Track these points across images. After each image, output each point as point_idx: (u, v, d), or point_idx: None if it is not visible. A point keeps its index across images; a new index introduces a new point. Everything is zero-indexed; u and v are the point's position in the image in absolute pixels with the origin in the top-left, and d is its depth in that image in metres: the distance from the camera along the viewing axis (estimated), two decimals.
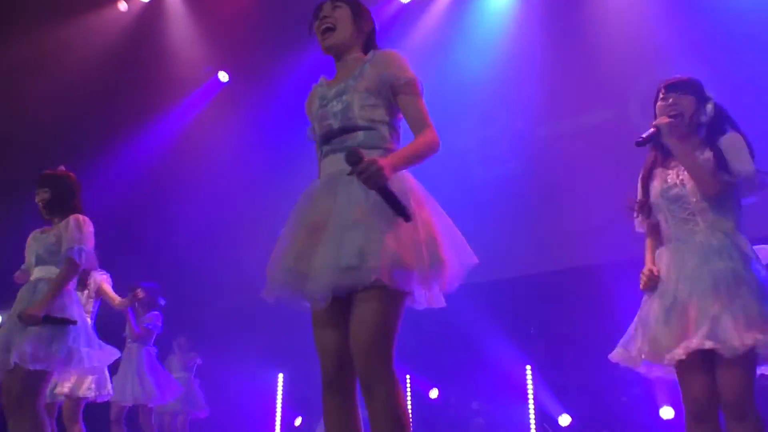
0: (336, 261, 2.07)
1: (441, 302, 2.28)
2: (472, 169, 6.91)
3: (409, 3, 7.16)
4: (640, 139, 2.74)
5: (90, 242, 3.72)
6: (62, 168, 3.96)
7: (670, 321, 2.57)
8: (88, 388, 4.61)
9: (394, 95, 2.28)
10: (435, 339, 6.54)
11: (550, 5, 6.57)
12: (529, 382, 6.28)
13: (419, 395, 6.87)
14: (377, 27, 2.49)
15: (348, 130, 2.26)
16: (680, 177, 2.72)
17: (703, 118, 2.74)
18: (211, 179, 7.71)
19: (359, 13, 2.40)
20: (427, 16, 7.15)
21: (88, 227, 3.75)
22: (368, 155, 2.12)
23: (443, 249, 2.16)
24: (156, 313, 5.81)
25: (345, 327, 2.16)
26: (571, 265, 6.12)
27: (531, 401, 6.22)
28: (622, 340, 2.80)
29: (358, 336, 2.10)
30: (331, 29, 2.35)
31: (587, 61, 6.30)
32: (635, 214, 2.90)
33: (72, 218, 3.72)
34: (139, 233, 7.57)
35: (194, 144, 7.84)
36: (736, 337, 2.44)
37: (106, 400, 4.82)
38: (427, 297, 2.26)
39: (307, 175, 2.50)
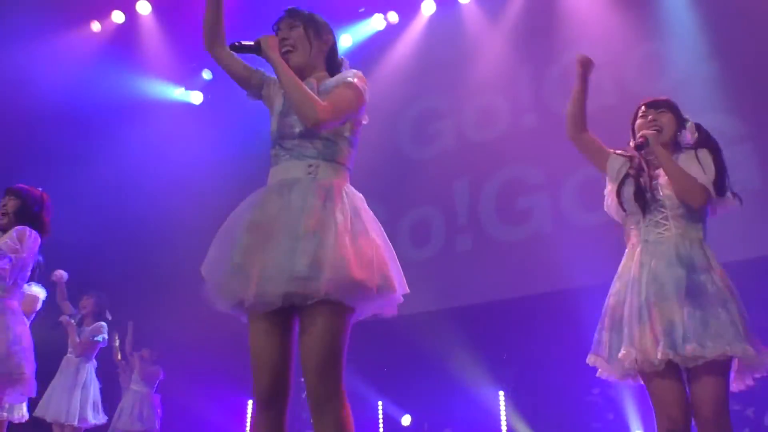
0: (289, 268, 2.07)
1: (376, 316, 2.30)
2: (445, 194, 6.92)
3: (383, 30, 7.24)
4: (638, 143, 2.79)
5: (26, 255, 3.53)
6: (38, 189, 3.85)
7: (644, 320, 2.60)
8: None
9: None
10: (407, 365, 6.49)
11: (524, 36, 6.67)
12: (502, 407, 6.26)
13: (391, 421, 6.79)
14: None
15: (308, 136, 2.27)
16: (656, 182, 2.78)
17: (682, 137, 2.84)
18: (181, 193, 7.61)
19: (317, 31, 2.44)
20: (403, 42, 7.22)
21: (31, 241, 3.57)
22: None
23: (391, 271, 2.20)
24: (102, 323, 5.52)
25: (281, 341, 2.18)
26: (542, 290, 6.13)
27: (504, 427, 6.18)
28: (598, 347, 2.77)
29: (310, 354, 2.10)
30: (291, 51, 2.39)
31: (561, 83, 6.38)
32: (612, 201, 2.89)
33: (16, 228, 3.57)
34: (106, 245, 7.43)
35: (166, 162, 7.76)
36: (717, 345, 2.47)
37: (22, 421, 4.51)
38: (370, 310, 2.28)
39: None
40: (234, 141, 7.54)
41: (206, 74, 7.84)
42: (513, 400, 6.27)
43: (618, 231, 3.01)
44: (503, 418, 6.22)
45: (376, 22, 7.26)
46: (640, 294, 2.64)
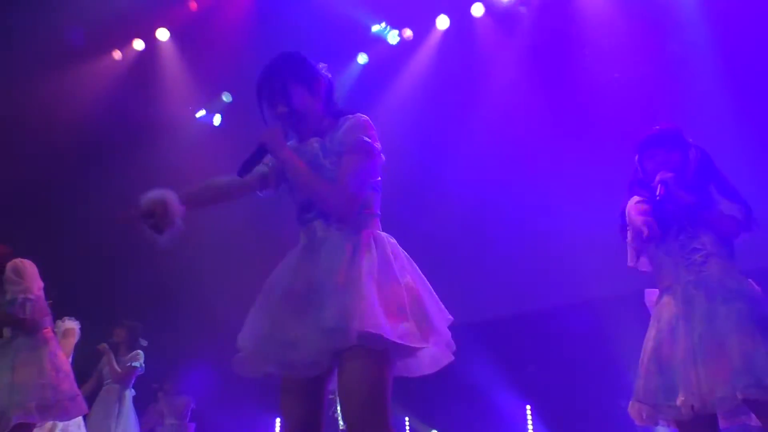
0: (320, 324, 2.01)
1: (437, 365, 2.22)
2: (467, 207, 6.93)
3: (396, 45, 7.29)
4: (658, 196, 2.71)
5: (34, 286, 3.59)
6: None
7: (698, 361, 2.53)
8: None
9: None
10: (433, 380, 6.44)
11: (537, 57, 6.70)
12: (529, 421, 6.21)
13: None
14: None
15: None
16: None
17: (690, 166, 2.81)
18: (201, 222, 7.68)
19: (309, 84, 2.29)
20: (417, 57, 7.27)
21: (30, 268, 3.63)
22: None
23: (429, 309, 2.12)
24: (138, 351, 5.63)
25: (311, 397, 2.14)
26: (567, 301, 6.10)
27: None
28: (642, 394, 2.68)
29: (349, 404, 2.01)
30: (299, 120, 2.28)
31: (575, 98, 6.39)
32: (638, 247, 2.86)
33: (7, 266, 3.60)
34: (126, 267, 7.52)
35: (188, 183, 7.84)
36: None
37: None
38: (421, 361, 2.20)
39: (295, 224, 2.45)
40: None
41: (226, 97, 7.94)
42: (540, 413, 6.22)
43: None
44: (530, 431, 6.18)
45: (390, 39, 7.31)
46: (691, 332, 2.57)
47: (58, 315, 4.75)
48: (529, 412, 6.23)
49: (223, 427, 7.36)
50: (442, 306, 2.23)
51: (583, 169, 6.21)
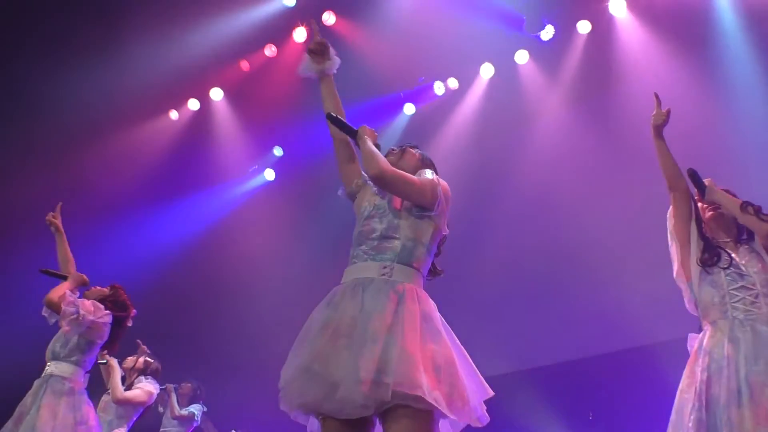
0: (356, 373, 2.04)
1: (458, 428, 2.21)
2: (523, 255, 6.87)
3: (443, 95, 7.39)
4: (691, 173, 2.90)
5: (93, 319, 3.69)
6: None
7: (743, 402, 2.51)
8: None
9: None
10: (491, 428, 6.35)
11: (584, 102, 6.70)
12: None
13: None
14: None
15: (387, 237, 2.31)
16: (744, 260, 2.76)
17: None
18: (257, 275, 7.81)
19: (425, 163, 2.56)
20: (464, 107, 7.35)
21: (103, 314, 3.76)
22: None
23: (461, 377, 2.14)
24: (198, 405, 5.79)
25: None
26: (626, 346, 5.96)
27: None
28: (695, 425, 2.61)
29: None
30: (394, 153, 2.56)
31: (624, 141, 6.34)
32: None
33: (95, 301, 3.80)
34: (181, 330, 7.67)
35: (240, 242, 8.02)
36: None
37: None
38: (447, 425, 2.20)
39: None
40: (310, 215, 7.71)
41: (277, 151, 8.13)
42: None
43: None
44: None
45: (436, 90, 7.40)
46: (737, 372, 2.56)
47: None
48: None
49: None
50: (482, 379, 2.23)
51: (638, 210, 6.13)
